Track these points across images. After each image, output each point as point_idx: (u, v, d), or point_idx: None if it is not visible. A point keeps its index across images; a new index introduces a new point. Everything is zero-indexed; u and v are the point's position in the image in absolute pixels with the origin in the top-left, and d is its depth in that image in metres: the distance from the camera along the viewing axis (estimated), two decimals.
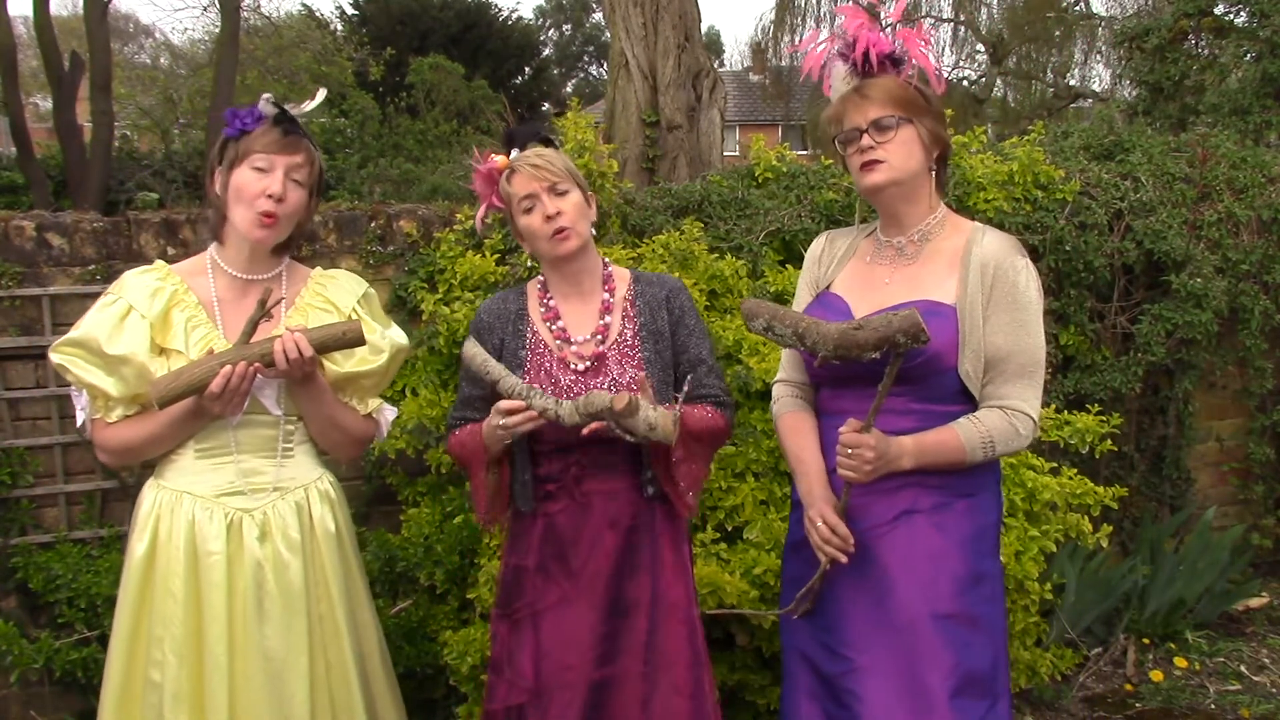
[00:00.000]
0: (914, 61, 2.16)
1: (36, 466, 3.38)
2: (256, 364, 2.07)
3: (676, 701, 2.23)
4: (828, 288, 2.26)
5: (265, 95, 2.21)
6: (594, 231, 2.31)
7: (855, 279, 2.23)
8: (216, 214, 2.23)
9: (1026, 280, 2.09)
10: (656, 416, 2.04)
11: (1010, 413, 2.08)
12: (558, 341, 2.26)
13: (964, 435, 2.06)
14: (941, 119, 2.18)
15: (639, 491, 2.24)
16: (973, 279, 2.08)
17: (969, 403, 2.10)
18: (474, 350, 2.17)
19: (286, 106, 2.21)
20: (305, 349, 2.08)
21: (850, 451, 2.01)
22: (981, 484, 2.17)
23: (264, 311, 2.08)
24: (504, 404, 2.09)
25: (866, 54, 2.15)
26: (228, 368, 2.04)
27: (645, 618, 2.22)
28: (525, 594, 2.25)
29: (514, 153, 2.27)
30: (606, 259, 2.38)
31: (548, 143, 2.30)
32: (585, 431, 2.07)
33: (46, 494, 3.40)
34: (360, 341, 2.15)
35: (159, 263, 2.25)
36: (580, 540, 2.23)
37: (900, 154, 2.11)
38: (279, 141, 2.15)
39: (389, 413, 2.39)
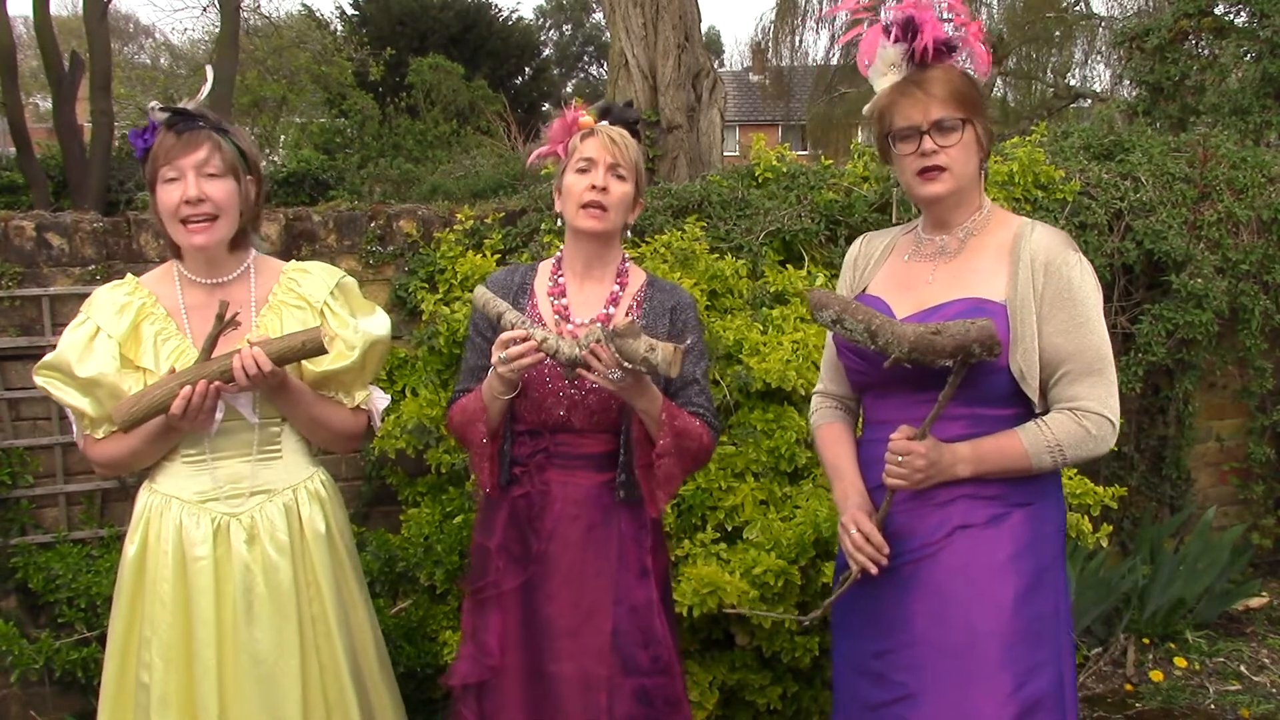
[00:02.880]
0: (965, 49, 2.00)
1: (36, 466, 3.38)
2: (217, 381, 2.05)
3: (639, 710, 2.21)
4: (864, 290, 2.15)
5: (152, 104, 2.16)
6: (628, 234, 2.33)
7: (893, 278, 2.12)
8: (166, 237, 2.22)
9: (1081, 275, 1.96)
10: (657, 342, 1.99)
11: (1080, 414, 1.94)
12: (555, 317, 2.26)
13: (1027, 441, 1.94)
14: (988, 112, 2.05)
15: (608, 491, 2.24)
16: (1023, 275, 1.96)
17: (1021, 405, 1.98)
18: (482, 291, 2.19)
19: (184, 103, 2.17)
20: (264, 364, 2.05)
21: (900, 459, 1.92)
22: (1040, 491, 2.02)
23: (222, 327, 2.06)
24: (506, 335, 2.08)
25: (926, 43, 1.96)
26: (187, 389, 2.02)
27: (608, 620, 2.21)
28: (488, 573, 2.27)
29: (602, 122, 2.28)
30: (628, 256, 2.38)
31: (635, 134, 2.31)
32: (583, 353, 2.01)
33: (46, 494, 3.40)
34: (321, 351, 2.11)
35: (129, 276, 2.24)
36: (538, 528, 2.24)
37: (960, 159, 1.97)
38: (176, 145, 2.10)
39: (380, 400, 2.36)
